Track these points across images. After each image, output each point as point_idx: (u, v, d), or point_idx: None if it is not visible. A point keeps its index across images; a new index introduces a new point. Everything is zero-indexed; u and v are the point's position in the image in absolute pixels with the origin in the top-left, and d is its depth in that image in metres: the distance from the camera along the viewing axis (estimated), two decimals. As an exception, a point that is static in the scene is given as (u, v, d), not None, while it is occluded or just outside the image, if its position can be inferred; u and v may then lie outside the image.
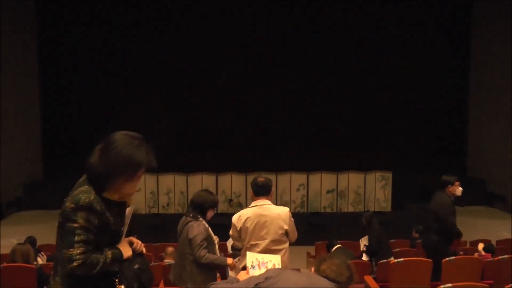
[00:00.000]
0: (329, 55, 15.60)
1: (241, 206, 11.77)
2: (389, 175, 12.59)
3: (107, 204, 2.39)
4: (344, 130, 15.57)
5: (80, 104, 15.04)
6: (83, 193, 2.34)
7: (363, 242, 7.75)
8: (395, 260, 5.88)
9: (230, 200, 12.02)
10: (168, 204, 12.12)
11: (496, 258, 6.19)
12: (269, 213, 4.43)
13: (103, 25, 15.16)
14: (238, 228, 4.49)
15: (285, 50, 15.51)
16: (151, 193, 12.07)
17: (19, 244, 6.03)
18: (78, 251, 2.29)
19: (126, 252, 2.51)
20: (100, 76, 15.26)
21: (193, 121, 15.57)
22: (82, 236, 2.30)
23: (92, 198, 2.33)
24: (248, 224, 4.42)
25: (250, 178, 11.92)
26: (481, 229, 9.27)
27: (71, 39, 15.39)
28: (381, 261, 6.78)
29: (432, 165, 15.56)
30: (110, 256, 2.40)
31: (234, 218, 4.57)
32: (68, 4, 14.97)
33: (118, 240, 2.53)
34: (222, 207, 11.89)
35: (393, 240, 8.99)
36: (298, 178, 12.29)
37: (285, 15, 15.44)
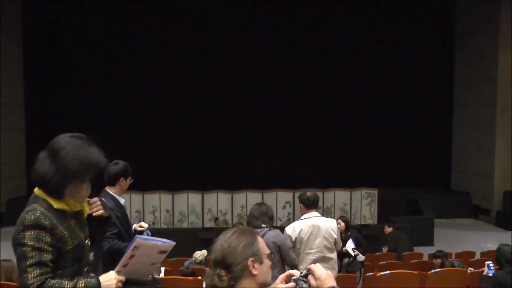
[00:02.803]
0: (314, 73, 15.78)
1: (227, 224, 11.73)
2: (375, 191, 12.67)
3: (61, 217, 2.21)
4: (329, 148, 15.64)
5: (66, 122, 14.94)
6: (28, 212, 2.19)
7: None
8: (381, 273, 5.89)
9: (216, 219, 11.98)
10: (153, 223, 12.02)
11: (480, 270, 6.22)
12: (321, 224, 4.95)
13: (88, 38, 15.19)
14: (294, 239, 4.88)
15: (271, 69, 15.65)
16: (136, 211, 11.98)
17: (3, 260, 5.90)
18: (33, 275, 2.09)
19: (108, 284, 2.23)
20: (86, 95, 15.24)
21: (179, 139, 15.55)
22: (34, 258, 2.10)
23: (38, 214, 2.16)
24: (303, 235, 4.87)
25: (236, 195, 12.16)
26: (467, 241, 9.36)
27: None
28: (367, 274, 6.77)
29: (417, 180, 15.77)
30: (82, 285, 2.16)
31: (289, 230, 4.99)
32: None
33: (84, 255, 2.32)
34: (208, 224, 11.96)
35: (379, 253, 9.01)
36: (284, 196, 12.30)
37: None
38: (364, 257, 7.60)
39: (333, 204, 12.46)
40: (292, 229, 4.97)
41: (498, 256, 5.41)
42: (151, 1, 15.12)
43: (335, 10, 15.71)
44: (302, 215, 5.11)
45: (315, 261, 4.56)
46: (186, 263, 7.55)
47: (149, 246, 2.40)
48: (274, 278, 1.95)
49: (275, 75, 15.64)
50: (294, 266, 4.51)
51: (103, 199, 2.55)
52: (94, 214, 2.42)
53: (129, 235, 3.89)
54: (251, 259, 1.90)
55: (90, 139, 2.31)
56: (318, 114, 15.85)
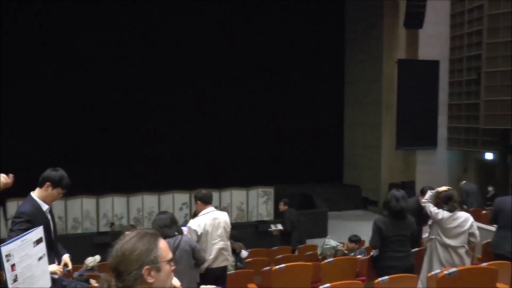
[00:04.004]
0: (209, 74, 15.78)
1: (122, 228, 11.37)
2: (271, 189, 13.01)
3: None
4: (225, 148, 15.80)
5: None
6: None
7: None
8: (277, 267, 6.03)
9: (112, 224, 11.55)
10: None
11: (368, 256, 6.61)
12: (219, 216, 5.48)
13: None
14: (199, 233, 5.28)
15: (162, 71, 15.46)
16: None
17: None
18: None
19: None
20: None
21: (72, 144, 14.77)
22: None
23: None
24: (207, 228, 5.32)
25: (132, 199, 11.78)
26: (357, 231, 9.88)
27: None
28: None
29: (312, 175, 16.45)
30: None
31: (194, 225, 5.31)
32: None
33: None
34: (104, 229, 11.54)
35: (275, 248, 9.24)
36: (181, 197, 12.20)
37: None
38: (247, 253, 7.68)
39: (230, 203, 12.58)
40: (197, 225, 5.33)
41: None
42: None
43: (236, 14, 15.93)
44: (200, 211, 5.49)
45: (220, 250, 5.38)
46: (76, 273, 7.16)
47: (18, 245, 2.26)
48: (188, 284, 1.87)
49: (167, 77, 15.44)
50: (203, 263, 5.00)
51: None
52: None
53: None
54: (146, 267, 1.79)
55: None
56: (211, 114, 15.89)
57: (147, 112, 15.42)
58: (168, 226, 4.66)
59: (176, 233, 4.74)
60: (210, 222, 5.41)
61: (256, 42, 16.12)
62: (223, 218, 5.56)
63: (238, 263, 7.03)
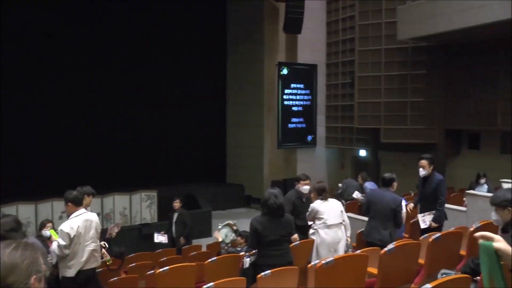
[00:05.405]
0: (87, 77, 14.89)
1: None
2: (154, 193, 12.77)
3: None
4: (106, 153, 15.04)
5: None
6: None
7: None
8: (160, 270, 5.91)
9: None
10: None
11: (251, 253, 6.74)
12: (91, 217, 5.45)
13: None
14: (72, 236, 5.18)
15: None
16: None
17: None
18: None
19: None
20: None
21: None
22: None
23: None
24: (80, 230, 5.26)
25: (5, 209, 10.60)
26: (242, 228, 10.04)
27: None
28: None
29: (196, 176, 16.43)
30: None
31: (66, 228, 5.19)
32: None
33: None
34: None
35: (159, 250, 9.07)
36: (60, 206, 11.33)
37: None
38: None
39: (113, 209, 12.11)
40: (70, 227, 5.23)
41: None
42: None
43: (117, 15, 15.25)
44: (71, 213, 5.39)
45: (92, 252, 5.36)
46: None
47: None
48: None
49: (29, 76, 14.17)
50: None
51: None
52: None
53: None
54: (34, 276, 1.70)
55: None
56: (87, 117, 14.97)
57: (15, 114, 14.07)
58: (15, 230, 4.29)
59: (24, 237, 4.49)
60: (83, 224, 5.36)
61: (135, 43, 15.62)
62: (95, 219, 5.56)
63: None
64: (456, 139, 13.46)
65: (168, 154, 16.13)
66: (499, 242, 1.82)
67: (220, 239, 7.16)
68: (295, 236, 5.37)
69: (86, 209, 5.62)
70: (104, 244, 6.07)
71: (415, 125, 13.40)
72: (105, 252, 5.93)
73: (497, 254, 1.80)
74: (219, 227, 7.41)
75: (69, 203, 5.43)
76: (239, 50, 16.92)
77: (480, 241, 1.85)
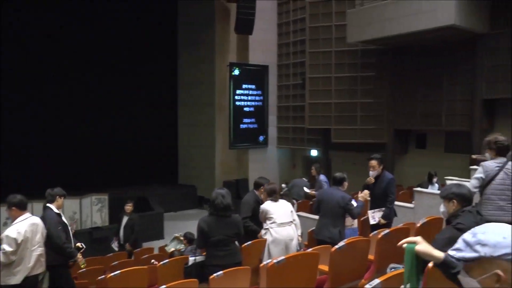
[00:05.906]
0: (34, 77, 14.41)
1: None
2: (105, 196, 12.46)
3: None
4: (55, 155, 14.63)
5: None
6: None
7: None
8: (112, 274, 5.79)
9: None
10: None
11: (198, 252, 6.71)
12: (37, 221, 5.40)
13: None
14: (20, 241, 5.06)
15: None
16: None
17: None
18: None
19: None
20: None
21: None
22: None
23: None
24: (28, 234, 5.18)
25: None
26: (194, 230, 10.03)
27: None
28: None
29: (147, 178, 16.18)
30: None
31: (13, 233, 5.04)
32: None
33: None
34: None
35: (111, 254, 8.88)
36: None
37: None
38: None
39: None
40: (17, 232, 5.10)
41: None
42: None
43: (67, 15, 14.85)
44: (16, 218, 5.27)
45: (39, 257, 5.27)
46: None
47: None
48: None
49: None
50: None
51: None
52: None
53: None
54: None
55: None
56: (35, 119, 14.50)
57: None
58: None
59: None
60: (30, 228, 5.26)
61: (86, 43, 15.24)
62: (40, 223, 5.50)
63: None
64: (404, 139, 13.89)
65: (119, 156, 15.80)
66: (421, 244, 2.01)
67: (172, 249, 7.24)
68: None
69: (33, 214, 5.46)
70: (81, 245, 6.11)
71: (365, 125, 13.73)
72: (80, 256, 5.94)
73: (417, 255, 2.01)
74: (168, 244, 7.65)
75: (14, 207, 5.27)
76: (190, 50, 16.80)
77: (405, 245, 2.05)
